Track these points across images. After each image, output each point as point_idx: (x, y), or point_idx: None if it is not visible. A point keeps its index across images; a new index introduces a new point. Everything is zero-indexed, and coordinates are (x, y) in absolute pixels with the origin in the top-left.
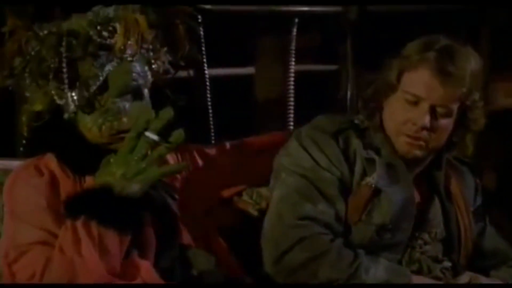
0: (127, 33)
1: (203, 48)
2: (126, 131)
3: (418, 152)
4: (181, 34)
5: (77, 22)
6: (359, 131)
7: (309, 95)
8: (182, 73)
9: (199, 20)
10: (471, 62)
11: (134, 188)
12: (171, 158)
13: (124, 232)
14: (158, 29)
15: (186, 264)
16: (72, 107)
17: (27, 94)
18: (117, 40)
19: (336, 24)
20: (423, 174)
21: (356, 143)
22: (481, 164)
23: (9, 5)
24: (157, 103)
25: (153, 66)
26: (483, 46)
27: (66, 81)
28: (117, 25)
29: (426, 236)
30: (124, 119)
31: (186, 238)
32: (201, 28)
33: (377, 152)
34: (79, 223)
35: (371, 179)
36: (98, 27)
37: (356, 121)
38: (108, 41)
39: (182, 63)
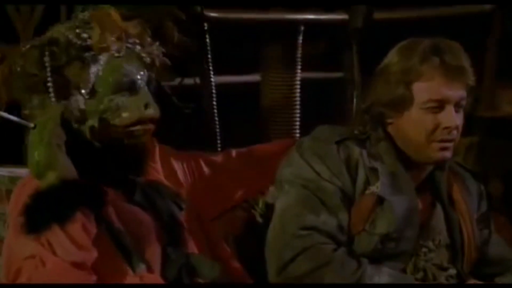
0: (103, 29)
1: (209, 56)
2: (131, 125)
3: (448, 154)
4: (167, 26)
5: (57, 29)
6: (360, 141)
7: (315, 102)
8: (188, 81)
9: (205, 28)
10: (460, 48)
11: (51, 177)
12: (177, 167)
13: (70, 221)
14: (144, 24)
15: (192, 273)
16: (77, 114)
17: (26, 111)
18: (93, 37)
19: (341, 31)
20: (425, 181)
21: (357, 152)
22: (486, 172)
23: None
24: (164, 111)
25: (145, 60)
26: (489, 54)
27: (51, 89)
28: (94, 25)
29: (430, 244)
30: (124, 114)
31: (192, 247)
32: (207, 36)
33: (380, 160)
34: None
35: (374, 188)
36: (77, 30)
37: (355, 132)
38: (88, 42)
39: (177, 54)
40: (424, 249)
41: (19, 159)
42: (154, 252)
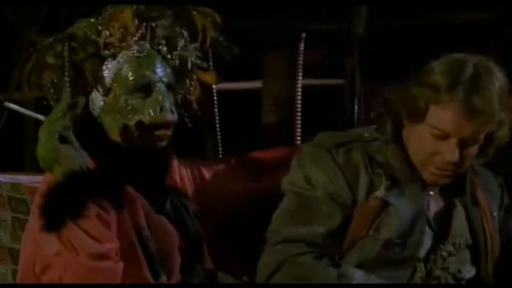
0: (123, 28)
1: (210, 62)
2: (145, 129)
3: (445, 181)
4: (197, 26)
5: (78, 25)
6: (365, 144)
7: (316, 109)
8: None
9: None
10: (497, 86)
11: (58, 172)
12: (183, 174)
13: (83, 215)
14: (177, 24)
15: None
16: (98, 110)
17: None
18: (113, 35)
19: (343, 38)
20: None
21: (359, 156)
22: None
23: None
24: None
25: (170, 62)
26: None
27: (68, 84)
28: (114, 24)
29: (451, 248)
30: (137, 117)
31: (209, 263)
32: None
33: (386, 164)
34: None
35: (379, 193)
36: (99, 27)
37: (365, 134)
38: (108, 40)
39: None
40: (444, 253)
41: (20, 166)
42: (175, 265)
